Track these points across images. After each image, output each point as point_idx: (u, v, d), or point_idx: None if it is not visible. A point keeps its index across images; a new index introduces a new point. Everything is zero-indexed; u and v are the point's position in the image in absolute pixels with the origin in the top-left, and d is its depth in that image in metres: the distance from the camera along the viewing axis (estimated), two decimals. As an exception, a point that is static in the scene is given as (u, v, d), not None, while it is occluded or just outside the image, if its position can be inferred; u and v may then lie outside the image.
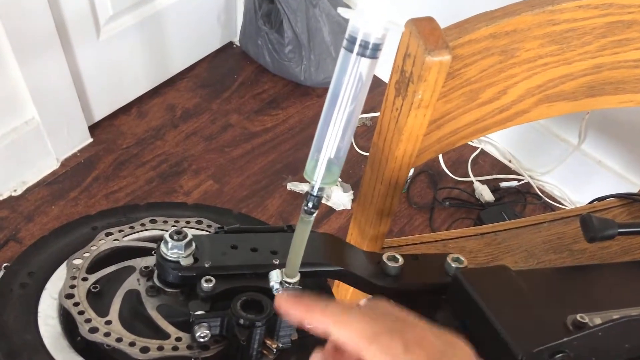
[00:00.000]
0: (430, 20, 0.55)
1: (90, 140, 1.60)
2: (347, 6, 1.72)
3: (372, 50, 0.37)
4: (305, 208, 0.41)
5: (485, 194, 1.56)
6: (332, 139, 0.39)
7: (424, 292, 0.55)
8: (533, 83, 0.68)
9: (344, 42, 0.37)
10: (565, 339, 0.43)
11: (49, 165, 1.52)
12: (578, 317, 0.47)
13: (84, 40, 1.43)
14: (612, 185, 1.47)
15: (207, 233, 0.55)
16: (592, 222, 0.57)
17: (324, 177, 0.40)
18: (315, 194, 0.41)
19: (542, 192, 1.61)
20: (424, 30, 0.54)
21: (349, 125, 0.39)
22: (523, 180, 1.62)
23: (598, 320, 0.47)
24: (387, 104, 0.61)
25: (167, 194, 1.52)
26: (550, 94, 0.70)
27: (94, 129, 1.62)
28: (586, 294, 0.54)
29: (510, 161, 1.67)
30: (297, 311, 0.38)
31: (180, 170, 1.57)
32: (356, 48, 0.37)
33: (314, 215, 0.42)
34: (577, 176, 1.56)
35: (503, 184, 1.61)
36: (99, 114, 1.62)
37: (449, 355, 0.35)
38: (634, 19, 0.65)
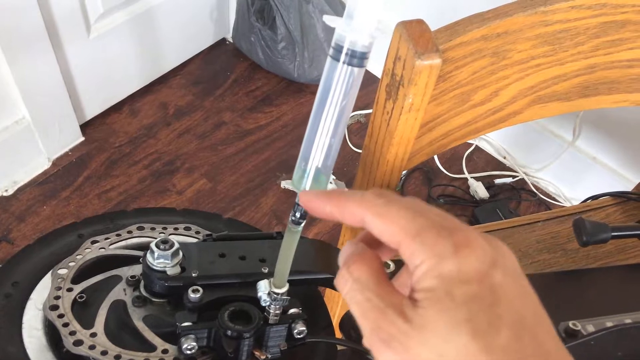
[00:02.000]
0: (420, 22, 0.54)
1: (82, 139, 1.58)
2: (340, 3, 1.70)
3: (359, 59, 0.36)
4: (293, 218, 0.40)
5: (479, 190, 1.56)
6: (319, 148, 0.38)
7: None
8: (525, 84, 0.67)
9: (330, 51, 0.36)
10: (557, 349, 0.42)
11: (40, 164, 1.50)
12: (570, 324, 0.46)
13: (74, 38, 1.42)
14: (607, 182, 1.47)
15: (196, 240, 0.55)
16: (585, 227, 0.56)
17: (311, 186, 0.39)
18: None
19: (537, 188, 1.61)
20: (413, 33, 0.53)
21: (336, 134, 0.38)
22: (518, 176, 1.62)
23: (591, 328, 0.46)
24: (378, 107, 0.60)
25: (160, 193, 1.51)
26: (543, 94, 0.70)
27: (85, 127, 1.60)
28: (579, 300, 0.53)
29: (504, 158, 1.66)
30: (328, 206, 0.34)
31: (173, 169, 1.56)
32: (342, 57, 0.36)
33: (302, 225, 0.41)
34: (571, 172, 1.55)
35: (498, 181, 1.60)
36: (91, 112, 1.61)
37: (499, 262, 0.30)
38: (627, 18, 0.64)
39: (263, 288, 0.44)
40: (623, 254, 0.92)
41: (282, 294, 0.44)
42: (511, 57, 0.63)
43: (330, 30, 1.68)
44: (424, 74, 0.53)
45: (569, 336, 0.45)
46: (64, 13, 1.35)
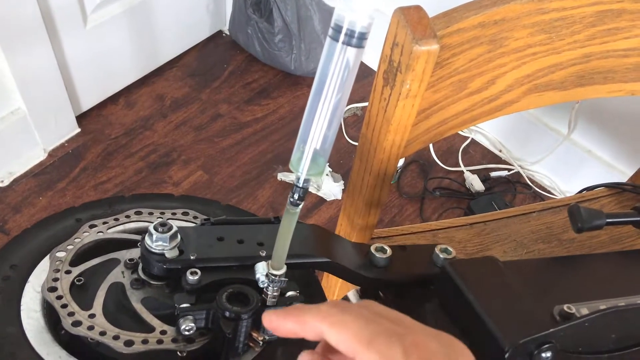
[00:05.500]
0: (418, 8, 0.54)
1: (78, 130, 1.58)
2: (338, -5, 1.70)
3: (358, 39, 0.36)
4: (291, 199, 0.41)
5: (475, 183, 1.56)
6: (317, 129, 0.39)
7: (412, 283, 0.55)
8: (522, 73, 0.67)
9: (330, 31, 0.37)
10: (551, 330, 0.42)
11: (36, 155, 1.50)
12: (565, 307, 0.47)
13: (71, 29, 1.41)
14: (602, 175, 1.48)
15: (193, 224, 0.55)
16: (579, 213, 0.57)
17: (309, 168, 0.40)
18: (300, 185, 0.40)
19: (532, 181, 1.61)
20: (411, 19, 0.53)
21: (334, 116, 0.39)
22: (513, 170, 1.62)
23: (585, 311, 0.47)
24: (376, 94, 0.61)
25: (156, 184, 1.51)
26: (539, 83, 0.70)
27: (81, 119, 1.60)
28: (573, 284, 0.54)
29: (500, 151, 1.67)
30: (289, 323, 0.36)
31: (170, 161, 1.56)
32: (342, 37, 0.36)
33: (300, 206, 0.41)
34: (566, 165, 1.56)
35: (493, 174, 1.61)
36: (87, 103, 1.61)
37: (452, 358, 0.33)
38: (623, 7, 0.65)
39: (261, 270, 0.44)
40: (618, 244, 0.93)
41: (280, 276, 0.44)
42: (508, 45, 0.63)
43: (327, 23, 1.68)
44: (421, 60, 0.54)
45: (563, 319, 0.46)
46: (60, 3, 1.35)
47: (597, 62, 0.70)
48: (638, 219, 0.58)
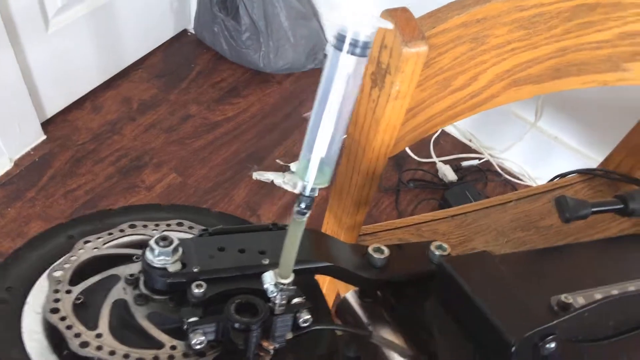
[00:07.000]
0: (404, 10, 0.55)
1: (44, 137, 1.54)
2: (303, -10, 1.70)
3: (362, 49, 0.36)
4: (298, 209, 0.41)
5: (448, 173, 1.59)
6: (323, 139, 0.39)
7: (409, 281, 0.56)
8: (502, 68, 0.69)
9: (333, 41, 0.37)
10: (555, 322, 0.44)
11: (2, 165, 1.45)
12: (562, 297, 0.48)
13: (33, 33, 1.37)
14: (569, 161, 1.52)
15: (190, 235, 0.54)
16: (567, 203, 0.58)
17: (315, 177, 0.40)
18: (307, 194, 0.40)
19: (502, 169, 1.65)
20: (399, 21, 0.54)
21: (339, 125, 0.39)
22: (483, 158, 1.66)
23: (581, 300, 0.49)
24: (364, 95, 0.61)
25: (129, 189, 1.48)
26: (518, 78, 0.72)
27: (47, 125, 1.56)
28: (564, 274, 0.55)
29: (470, 140, 1.70)
30: None
31: (141, 165, 1.54)
32: (345, 46, 0.36)
33: (307, 215, 0.41)
34: (535, 152, 1.60)
35: (464, 163, 1.64)
36: (52, 109, 1.56)
37: None
38: (597, 2, 0.67)
39: (269, 279, 0.44)
40: (593, 229, 0.96)
41: (288, 284, 0.44)
42: (489, 42, 0.64)
43: (294, 20, 1.67)
44: (410, 62, 0.54)
45: (561, 309, 0.47)
46: (21, 7, 1.30)
47: (572, 55, 0.72)
48: (621, 206, 0.61)
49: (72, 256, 0.50)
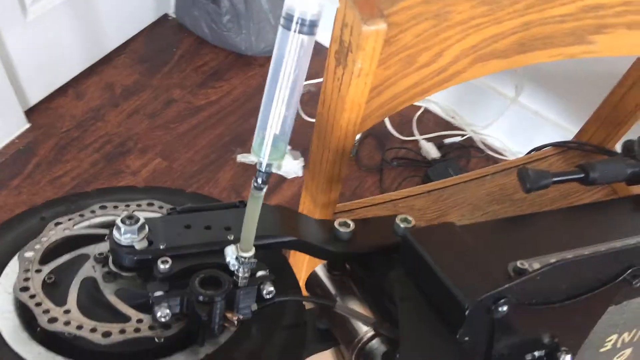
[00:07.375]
0: (364, -12, 0.56)
1: (28, 125, 1.54)
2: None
3: (309, 27, 0.37)
4: (255, 184, 0.42)
5: (431, 151, 1.60)
6: (276, 116, 0.40)
7: (376, 253, 0.57)
8: (467, 44, 0.70)
9: (282, 20, 0.38)
10: (506, 285, 0.46)
11: (-15, 154, 1.46)
12: (518, 263, 0.50)
13: (11, 22, 1.37)
14: (550, 135, 1.54)
15: (160, 215, 0.56)
16: (527, 175, 0.60)
17: (270, 153, 0.41)
18: (263, 170, 0.42)
19: (485, 145, 1.67)
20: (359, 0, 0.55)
21: (291, 102, 0.40)
22: (466, 135, 1.67)
23: (536, 265, 0.50)
24: (329, 74, 0.62)
25: (115, 175, 1.49)
26: (483, 53, 0.73)
27: (30, 113, 1.56)
28: (525, 242, 0.57)
29: (453, 117, 1.71)
30: None
31: (126, 150, 1.54)
32: (293, 25, 0.37)
33: (264, 190, 0.43)
34: (516, 128, 1.62)
35: (447, 140, 1.65)
36: (34, 97, 1.56)
37: None
38: (558, -24, 0.68)
39: (231, 253, 0.46)
40: (566, 200, 0.98)
41: (249, 258, 0.46)
42: (452, 19, 0.65)
43: (274, 2, 1.67)
44: (370, 39, 0.55)
45: (517, 274, 0.49)
46: (-3, -4, 1.30)
47: (536, 29, 0.73)
48: (581, 175, 0.62)
49: (43, 237, 0.51)
